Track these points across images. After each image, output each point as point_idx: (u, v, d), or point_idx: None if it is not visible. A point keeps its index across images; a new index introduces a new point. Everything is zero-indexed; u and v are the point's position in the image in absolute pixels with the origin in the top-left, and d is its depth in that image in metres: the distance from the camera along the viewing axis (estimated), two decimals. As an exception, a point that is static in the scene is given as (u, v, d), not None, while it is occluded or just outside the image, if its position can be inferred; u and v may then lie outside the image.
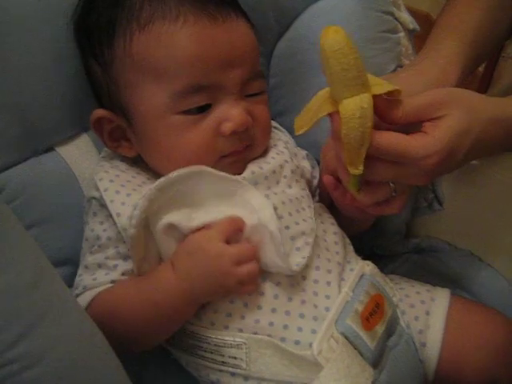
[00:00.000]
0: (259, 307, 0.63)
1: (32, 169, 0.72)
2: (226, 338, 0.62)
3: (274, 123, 0.79)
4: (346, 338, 0.62)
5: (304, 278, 0.65)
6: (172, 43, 0.65)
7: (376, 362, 0.64)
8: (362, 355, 0.62)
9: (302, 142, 0.81)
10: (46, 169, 0.73)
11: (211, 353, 0.63)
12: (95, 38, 0.70)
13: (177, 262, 0.62)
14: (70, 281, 0.67)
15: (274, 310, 0.63)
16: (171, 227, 0.62)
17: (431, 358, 0.69)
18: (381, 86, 0.60)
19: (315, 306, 0.64)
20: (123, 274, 0.66)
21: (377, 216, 0.76)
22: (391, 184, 0.66)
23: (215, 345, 0.63)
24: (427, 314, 0.71)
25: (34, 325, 0.48)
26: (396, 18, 0.82)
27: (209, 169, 0.63)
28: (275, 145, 0.75)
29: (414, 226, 0.90)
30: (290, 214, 0.67)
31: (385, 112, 0.62)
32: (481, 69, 1.56)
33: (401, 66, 0.82)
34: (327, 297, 0.64)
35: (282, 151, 0.74)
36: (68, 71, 0.73)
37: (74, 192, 0.74)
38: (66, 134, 0.75)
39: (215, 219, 0.62)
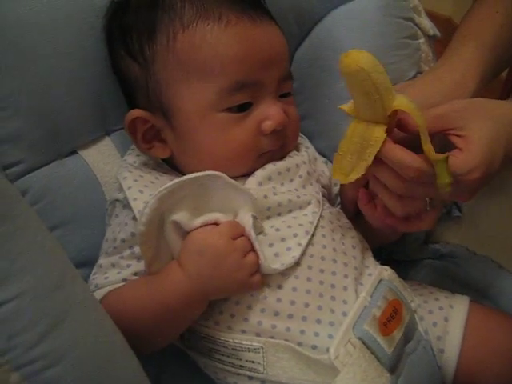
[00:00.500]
0: (276, 313, 0.63)
1: (55, 172, 0.73)
2: (244, 342, 0.63)
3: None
4: (364, 343, 0.62)
5: (321, 283, 0.65)
6: (217, 42, 0.67)
7: (393, 367, 0.63)
8: (379, 360, 0.62)
9: (322, 146, 0.81)
10: (68, 172, 0.74)
11: (228, 356, 0.64)
12: (133, 36, 0.71)
13: (186, 261, 0.62)
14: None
15: (290, 316, 0.63)
16: (177, 225, 0.62)
17: (449, 365, 0.69)
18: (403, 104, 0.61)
19: (332, 311, 0.64)
20: (135, 274, 0.67)
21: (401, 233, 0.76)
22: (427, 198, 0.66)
23: (233, 349, 0.63)
24: (446, 321, 0.70)
25: (56, 324, 0.49)
26: (416, 24, 0.82)
27: (222, 174, 0.62)
28: (296, 147, 0.76)
29: (433, 232, 0.89)
30: (290, 211, 0.69)
31: (403, 122, 0.63)
32: (504, 74, 1.55)
33: (421, 73, 0.82)
34: (344, 302, 0.64)
35: (302, 154, 0.75)
36: (92, 75, 0.74)
37: (96, 195, 0.75)
38: (88, 138, 0.77)
39: (217, 220, 0.63)
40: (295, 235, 0.66)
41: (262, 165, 0.71)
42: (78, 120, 0.75)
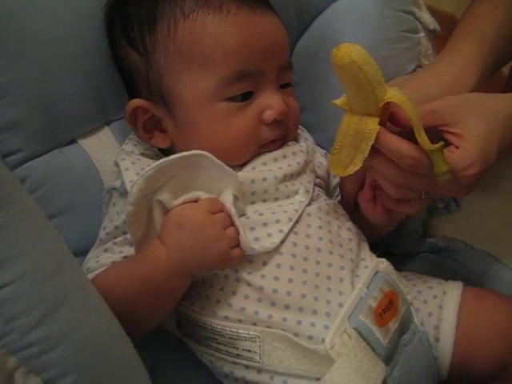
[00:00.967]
0: (273, 303, 0.63)
1: (54, 160, 0.74)
2: (240, 331, 0.63)
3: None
4: (359, 333, 0.62)
5: (317, 274, 0.65)
6: (218, 32, 0.67)
7: (388, 358, 0.64)
8: (374, 351, 0.62)
9: (321, 138, 0.82)
10: (68, 160, 0.75)
11: (225, 345, 0.64)
12: (134, 25, 0.71)
13: (166, 235, 0.62)
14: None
15: (287, 307, 0.63)
16: (162, 205, 0.63)
17: (445, 352, 0.70)
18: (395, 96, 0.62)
19: (328, 302, 0.64)
20: (125, 258, 0.67)
21: (398, 224, 0.77)
22: None
23: (229, 337, 0.64)
24: (440, 309, 0.71)
25: (54, 309, 0.50)
26: (417, 18, 0.82)
27: (209, 154, 0.63)
28: (295, 138, 0.77)
29: (431, 226, 0.90)
30: (276, 199, 0.69)
31: (395, 116, 0.63)
32: (506, 70, 1.55)
33: (420, 66, 0.82)
34: (340, 293, 0.65)
35: (300, 144, 0.76)
36: (92, 65, 0.75)
37: (94, 184, 0.76)
38: (88, 127, 0.77)
39: (198, 198, 0.63)
40: (277, 221, 0.67)
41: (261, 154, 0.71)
42: (78, 109, 0.75)
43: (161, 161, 0.61)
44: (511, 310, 0.71)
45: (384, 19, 0.80)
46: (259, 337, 0.62)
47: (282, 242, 0.66)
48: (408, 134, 0.62)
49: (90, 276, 0.65)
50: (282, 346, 0.62)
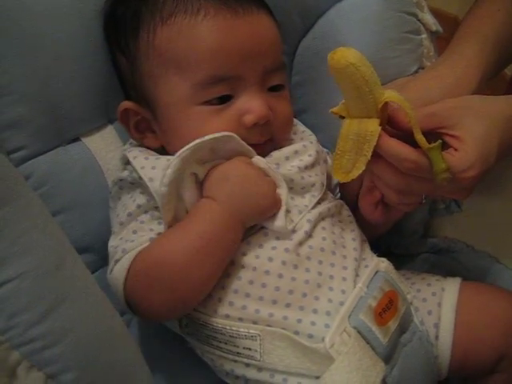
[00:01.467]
0: (274, 302, 0.63)
1: (58, 158, 0.74)
2: (241, 330, 0.63)
3: (299, 123, 0.80)
4: (359, 332, 0.63)
5: (320, 273, 0.66)
6: (193, 35, 0.67)
7: (388, 357, 0.64)
8: (374, 350, 0.63)
9: (323, 139, 0.82)
10: (71, 158, 0.75)
11: (226, 343, 0.64)
12: (121, 30, 0.72)
13: (214, 191, 0.65)
14: (91, 268, 0.68)
15: (288, 305, 0.63)
16: (195, 178, 0.65)
17: (444, 349, 0.70)
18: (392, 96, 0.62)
19: (330, 301, 0.64)
20: (159, 235, 0.67)
21: (394, 222, 0.78)
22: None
23: (230, 336, 0.64)
24: (439, 306, 0.71)
25: (56, 305, 0.50)
26: (419, 20, 0.82)
27: (236, 136, 0.66)
28: (302, 138, 0.77)
29: (432, 227, 0.90)
30: (291, 189, 0.70)
31: (393, 118, 0.64)
32: (508, 72, 1.55)
33: (422, 68, 0.82)
34: (343, 291, 0.65)
35: (311, 141, 0.76)
36: (95, 63, 0.75)
37: (98, 182, 0.76)
38: (92, 125, 0.77)
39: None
40: (288, 212, 0.68)
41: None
42: (81, 108, 0.75)
43: (195, 142, 0.63)
44: (508, 302, 0.72)
45: (386, 20, 0.80)
46: (259, 335, 0.63)
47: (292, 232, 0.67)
48: (406, 137, 0.62)
49: (131, 256, 0.64)
50: (282, 344, 0.62)
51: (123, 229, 0.68)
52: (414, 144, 0.62)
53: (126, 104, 0.72)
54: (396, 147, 0.62)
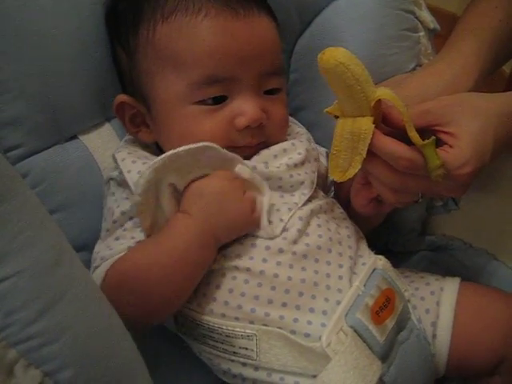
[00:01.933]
0: (270, 301, 0.63)
1: (56, 156, 0.74)
2: (237, 329, 0.63)
3: (294, 122, 0.80)
4: (356, 331, 0.63)
5: (316, 272, 0.65)
6: (192, 35, 0.67)
7: (385, 356, 0.64)
8: (370, 349, 0.63)
9: (320, 136, 0.82)
10: (69, 156, 0.75)
11: (222, 343, 0.64)
12: (122, 25, 0.72)
13: (189, 206, 0.64)
14: (88, 266, 0.68)
15: (284, 304, 0.63)
16: (173, 188, 0.64)
17: (442, 348, 0.70)
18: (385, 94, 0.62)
19: (326, 300, 0.64)
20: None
21: (387, 215, 0.78)
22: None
23: (226, 335, 0.64)
24: (437, 305, 0.71)
25: (54, 303, 0.50)
26: (416, 17, 0.82)
27: (215, 145, 0.64)
28: (294, 137, 0.76)
29: (430, 224, 0.90)
30: (280, 188, 0.70)
31: (387, 116, 0.64)
32: (507, 69, 1.55)
33: (420, 65, 0.82)
34: (339, 290, 0.65)
35: (301, 140, 0.75)
36: (93, 61, 0.75)
37: (95, 180, 0.76)
38: (89, 123, 0.77)
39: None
40: (278, 210, 0.68)
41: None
42: (79, 105, 0.75)
43: (168, 153, 0.62)
44: (509, 306, 0.72)
45: (384, 18, 0.80)
46: (256, 335, 0.63)
47: (283, 231, 0.67)
48: (401, 135, 0.62)
49: (107, 264, 0.65)
50: (278, 343, 0.62)
51: (108, 236, 0.69)
52: (409, 142, 0.62)
53: (122, 97, 0.72)
54: (390, 145, 0.62)
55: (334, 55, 0.59)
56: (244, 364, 0.64)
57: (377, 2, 0.80)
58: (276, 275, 0.64)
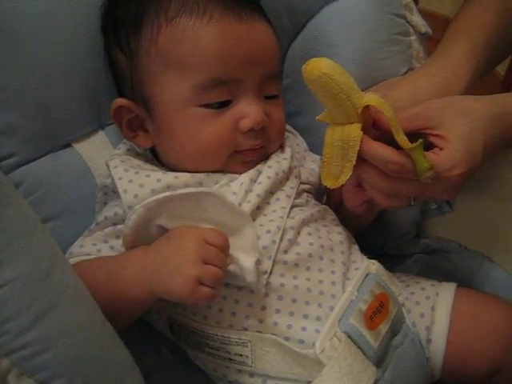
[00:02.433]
0: (263, 308, 0.63)
1: (49, 164, 0.74)
2: (232, 336, 0.63)
3: (287, 126, 0.80)
4: (349, 336, 0.63)
5: (308, 279, 0.65)
6: (197, 38, 0.67)
7: (380, 361, 0.64)
8: (365, 354, 0.63)
9: (313, 141, 0.82)
10: (63, 164, 0.75)
11: (217, 350, 0.65)
12: (122, 28, 0.72)
13: (154, 243, 0.62)
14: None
15: (278, 311, 0.63)
16: (162, 229, 0.62)
17: (437, 353, 0.70)
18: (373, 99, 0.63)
19: (320, 306, 0.64)
20: (112, 248, 0.67)
21: (381, 219, 0.78)
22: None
23: (221, 342, 0.64)
24: (432, 310, 0.71)
25: (47, 311, 0.50)
26: (408, 22, 0.82)
27: (218, 193, 0.61)
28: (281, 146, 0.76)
29: (425, 227, 0.90)
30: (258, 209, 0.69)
31: (377, 121, 0.65)
32: (501, 71, 1.55)
33: (412, 69, 0.82)
34: (333, 296, 0.65)
35: (285, 151, 0.75)
36: (87, 69, 0.75)
37: (89, 188, 0.76)
38: (83, 131, 0.77)
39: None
40: (268, 231, 0.66)
41: (240, 162, 0.71)
42: (73, 114, 0.75)
43: (163, 194, 0.60)
44: (503, 311, 0.72)
45: (376, 22, 0.81)
46: (250, 341, 0.63)
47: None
48: (392, 140, 0.63)
49: (72, 261, 0.65)
50: (272, 350, 0.63)
51: (89, 235, 0.70)
52: (399, 147, 0.62)
53: (121, 101, 0.72)
54: (379, 150, 0.63)
55: (317, 66, 0.60)
56: (239, 370, 0.65)
57: (369, 7, 0.81)
58: (268, 283, 0.64)
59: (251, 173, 0.70)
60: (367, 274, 0.68)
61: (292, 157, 0.75)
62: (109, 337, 0.56)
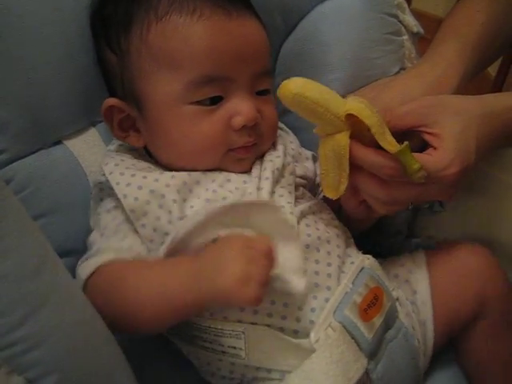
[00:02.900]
0: None
1: (40, 161, 0.73)
2: (226, 328, 0.63)
3: (279, 124, 0.80)
4: (344, 327, 0.63)
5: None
6: (188, 35, 0.67)
7: (373, 353, 0.65)
8: (358, 345, 0.63)
9: (307, 139, 0.82)
10: (54, 161, 0.74)
11: (211, 342, 0.64)
12: (112, 27, 0.72)
13: (202, 252, 0.60)
14: (73, 272, 0.67)
15: (272, 302, 0.63)
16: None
17: (426, 322, 0.72)
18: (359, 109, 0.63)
19: (315, 297, 0.64)
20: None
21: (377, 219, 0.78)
22: None
23: (215, 335, 0.64)
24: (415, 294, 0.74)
25: (37, 309, 0.50)
26: (400, 21, 0.83)
27: (272, 203, 0.63)
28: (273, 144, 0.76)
29: (416, 227, 0.91)
30: None
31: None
32: (493, 72, 1.56)
33: (404, 69, 0.83)
34: (328, 288, 0.65)
35: (277, 148, 0.75)
36: (78, 66, 0.75)
37: (81, 185, 0.75)
38: (74, 128, 0.77)
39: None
40: None
41: (234, 160, 0.71)
42: (63, 110, 0.75)
43: (195, 220, 0.61)
44: (472, 252, 0.76)
45: (368, 21, 0.81)
46: (244, 333, 0.63)
47: None
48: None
49: (104, 257, 0.64)
50: (267, 341, 0.63)
51: (106, 240, 0.68)
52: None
53: (112, 101, 0.72)
54: (371, 155, 0.63)
55: (289, 88, 0.61)
56: (233, 363, 0.65)
57: (361, 6, 0.81)
58: None
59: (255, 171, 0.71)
60: (362, 268, 0.69)
61: (285, 154, 0.75)
62: (100, 334, 0.56)
